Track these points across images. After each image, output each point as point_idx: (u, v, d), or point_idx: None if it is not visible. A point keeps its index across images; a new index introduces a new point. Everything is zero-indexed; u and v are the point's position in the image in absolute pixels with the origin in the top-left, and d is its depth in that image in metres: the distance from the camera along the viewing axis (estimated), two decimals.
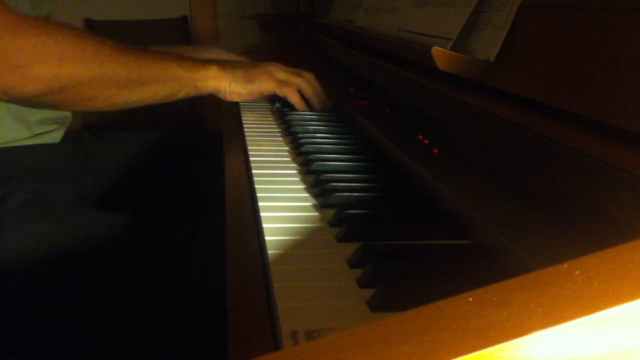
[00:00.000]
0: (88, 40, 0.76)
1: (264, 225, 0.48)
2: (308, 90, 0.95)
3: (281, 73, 0.93)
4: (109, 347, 0.74)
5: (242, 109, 0.98)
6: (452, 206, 0.51)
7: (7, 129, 0.86)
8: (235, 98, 0.89)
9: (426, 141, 0.68)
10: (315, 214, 0.52)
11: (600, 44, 0.44)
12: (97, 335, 0.75)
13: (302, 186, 0.60)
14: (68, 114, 0.99)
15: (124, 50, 0.79)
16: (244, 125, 0.87)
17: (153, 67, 0.81)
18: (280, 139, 0.81)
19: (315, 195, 0.57)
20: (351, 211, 0.50)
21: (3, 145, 0.86)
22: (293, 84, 0.93)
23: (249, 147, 0.74)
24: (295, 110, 0.94)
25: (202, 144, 1.15)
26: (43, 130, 0.92)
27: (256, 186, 0.58)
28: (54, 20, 0.75)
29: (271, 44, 1.43)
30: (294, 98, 0.93)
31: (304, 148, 0.72)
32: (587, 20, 0.46)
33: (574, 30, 0.48)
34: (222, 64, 0.88)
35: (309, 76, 0.96)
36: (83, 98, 0.78)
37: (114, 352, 0.74)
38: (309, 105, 0.96)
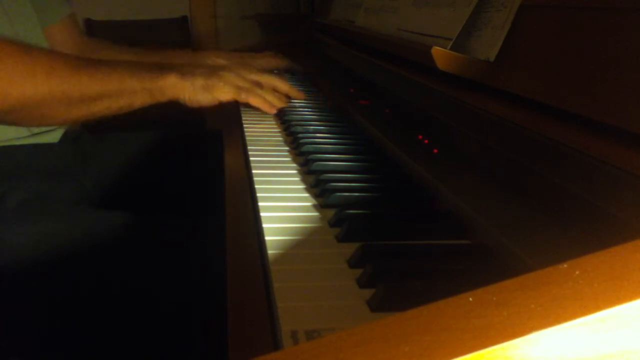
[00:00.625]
0: (38, 59, 0.74)
1: (264, 225, 0.48)
2: (269, 96, 0.93)
3: (240, 81, 0.91)
4: (109, 347, 0.74)
5: (242, 108, 0.98)
6: (452, 206, 0.51)
7: (5, 127, 0.86)
8: (195, 105, 0.87)
9: (426, 141, 0.68)
10: (315, 214, 0.52)
11: (600, 44, 0.44)
12: (97, 335, 0.75)
13: (302, 186, 0.60)
14: None
15: (75, 67, 0.77)
16: (244, 125, 0.87)
17: (106, 82, 0.79)
18: (280, 139, 0.81)
19: (315, 195, 0.57)
20: (351, 211, 0.50)
21: (1, 144, 0.86)
22: (255, 91, 0.92)
23: (249, 147, 0.74)
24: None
25: (202, 144, 1.15)
26: (41, 129, 0.92)
27: (256, 186, 0.58)
28: (3, 40, 0.73)
29: (271, 44, 1.43)
30: (255, 102, 0.91)
31: (304, 148, 0.72)
32: (587, 20, 0.46)
33: (574, 30, 0.48)
34: (182, 72, 0.86)
35: (271, 80, 0.95)
36: (34, 117, 0.77)
37: (114, 352, 0.74)
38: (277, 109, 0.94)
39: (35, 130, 0.90)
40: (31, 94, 0.72)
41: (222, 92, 0.88)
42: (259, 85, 0.93)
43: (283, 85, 0.98)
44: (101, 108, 0.80)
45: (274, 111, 0.93)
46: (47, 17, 1.04)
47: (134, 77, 0.82)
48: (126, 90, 0.81)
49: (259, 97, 0.91)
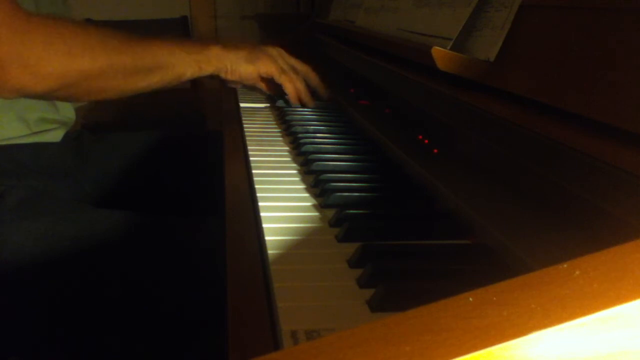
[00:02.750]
0: (94, 34, 0.77)
1: (264, 225, 0.48)
2: (300, 85, 0.97)
3: (281, 60, 0.96)
4: (109, 346, 0.74)
5: (242, 108, 0.98)
6: (452, 206, 0.51)
7: (6, 126, 0.86)
8: (235, 77, 0.92)
9: (426, 141, 0.68)
10: (315, 214, 0.52)
11: (601, 44, 0.44)
12: (97, 334, 0.75)
13: (302, 186, 0.60)
14: (71, 115, 0.99)
15: (129, 41, 0.81)
16: (244, 125, 0.87)
17: (158, 53, 0.84)
18: (280, 139, 0.81)
19: (315, 195, 0.57)
20: (351, 211, 0.50)
21: (2, 143, 0.86)
22: (291, 75, 0.96)
23: (249, 147, 0.74)
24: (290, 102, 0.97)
25: (202, 144, 1.15)
26: (42, 128, 0.92)
27: (256, 186, 0.58)
28: (59, 16, 0.76)
29: (271, 44, 1.43)
30: (288, 88, 0.95)
31: (304, 148, 0.72)
32: (587, 20, 0.46)
33: (574, 30, 0.48)
34: (226, 44, 0.91)
35: (306, 69, 0.99)
36: (93, 90, 0.80)
37: (114, 351, 0.74)
38: (303, 102, 0.98)
39: (35, 129, 0.90)
40: (90, 67, 0.75)
41: (264, 64, 0.93)
42: (295, 70, 0.97)
43: (315, 79, 1.01)
44: (155, 79, 0.84)
45: (298, 103, 0.97)
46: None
47: (183, 49, 0.87)
48: (177, 61, 0.86)
49: (292, 84, 0.95)
